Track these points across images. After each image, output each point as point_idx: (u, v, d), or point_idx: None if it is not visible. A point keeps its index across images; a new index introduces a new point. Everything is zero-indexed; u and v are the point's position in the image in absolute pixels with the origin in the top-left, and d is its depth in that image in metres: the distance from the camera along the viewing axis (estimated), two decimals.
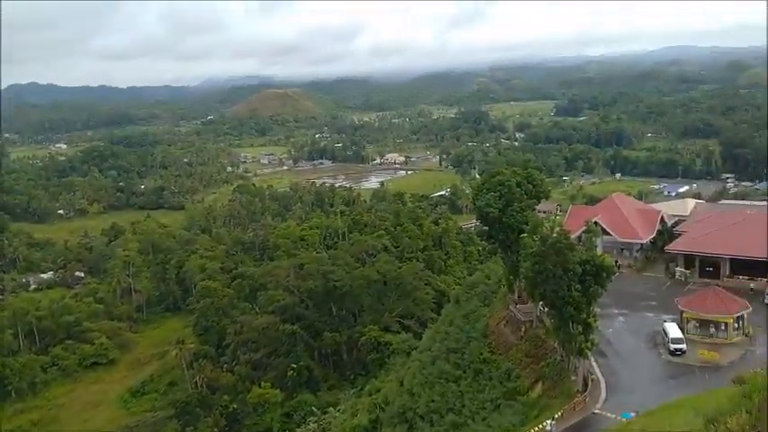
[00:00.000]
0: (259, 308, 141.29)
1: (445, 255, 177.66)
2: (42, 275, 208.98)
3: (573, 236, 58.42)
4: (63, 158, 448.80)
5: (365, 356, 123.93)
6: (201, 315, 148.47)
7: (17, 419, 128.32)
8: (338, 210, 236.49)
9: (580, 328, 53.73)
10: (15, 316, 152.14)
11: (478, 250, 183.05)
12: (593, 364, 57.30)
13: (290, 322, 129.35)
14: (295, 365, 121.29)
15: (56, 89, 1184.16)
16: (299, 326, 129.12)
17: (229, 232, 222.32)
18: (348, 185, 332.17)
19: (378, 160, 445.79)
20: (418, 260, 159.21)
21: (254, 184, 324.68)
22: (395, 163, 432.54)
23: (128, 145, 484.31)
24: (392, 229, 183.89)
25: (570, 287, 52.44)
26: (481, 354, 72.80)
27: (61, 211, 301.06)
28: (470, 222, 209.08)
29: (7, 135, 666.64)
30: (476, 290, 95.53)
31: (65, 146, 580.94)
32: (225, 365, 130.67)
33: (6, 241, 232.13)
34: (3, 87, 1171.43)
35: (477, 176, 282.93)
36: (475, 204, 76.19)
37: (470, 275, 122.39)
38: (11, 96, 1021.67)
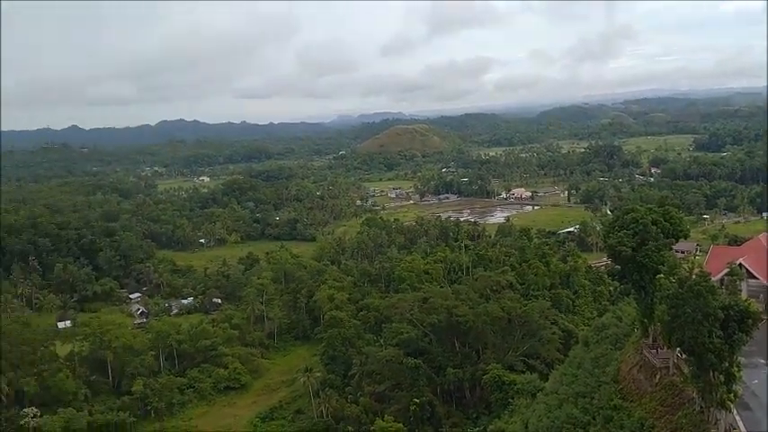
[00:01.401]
0: (383, 340, 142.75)
1: (573, 294, 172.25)
2: (183, 301, 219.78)
3: (714, 278, 55.23)
4: (205, 190, 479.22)
5: (488, 395, 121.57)
6: (329, 344, 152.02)
7: None
8: (463, 244, 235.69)
9: (722, 378, 50.36)
10: (158, 339, 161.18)
11: (609, 290, 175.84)
12: (736, 417, 53.29)
13: (413, 356, 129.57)
14: (418, 400, 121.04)
15: (200, 125, 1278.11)
16: (422, 360, 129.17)
17: (357, 264, 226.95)
18: (473, 220, 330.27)
19: (503, 195, 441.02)
20: (544, 298, 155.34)
21: (381, 218, 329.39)
22: (521, 198, 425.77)
23: (265, 178, 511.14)
24: (517, 265, 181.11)
25: (711, 333, 49.36)
26: (612, 400, 69.64)
27: (202, 240, 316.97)
28: (601, 261, 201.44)
29: (156, 168, 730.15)
30: (606, 332, 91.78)
31: (207, 178, 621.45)
32: (349, 396, 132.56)
33: (152, 267, 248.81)
34: (153, 124, 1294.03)
35: (609, 213, 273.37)
36: (606, 242, 73.63)
37: (600, 316, 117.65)
38: (160, 132, 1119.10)
